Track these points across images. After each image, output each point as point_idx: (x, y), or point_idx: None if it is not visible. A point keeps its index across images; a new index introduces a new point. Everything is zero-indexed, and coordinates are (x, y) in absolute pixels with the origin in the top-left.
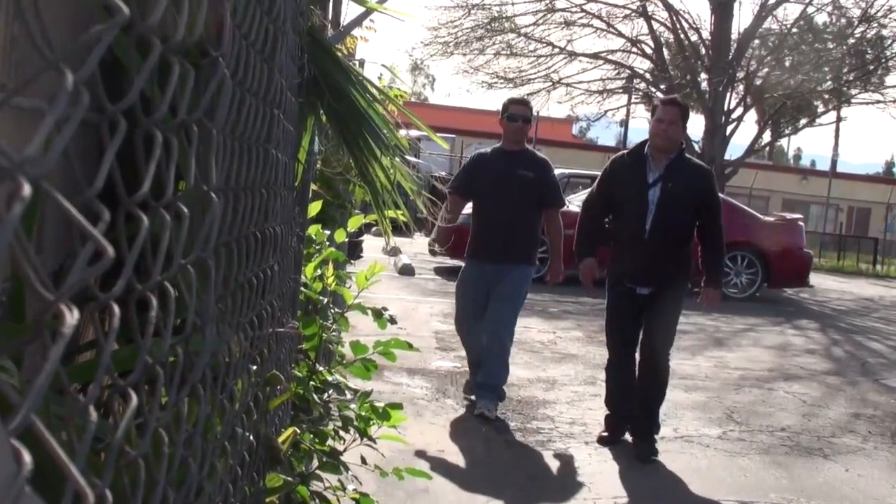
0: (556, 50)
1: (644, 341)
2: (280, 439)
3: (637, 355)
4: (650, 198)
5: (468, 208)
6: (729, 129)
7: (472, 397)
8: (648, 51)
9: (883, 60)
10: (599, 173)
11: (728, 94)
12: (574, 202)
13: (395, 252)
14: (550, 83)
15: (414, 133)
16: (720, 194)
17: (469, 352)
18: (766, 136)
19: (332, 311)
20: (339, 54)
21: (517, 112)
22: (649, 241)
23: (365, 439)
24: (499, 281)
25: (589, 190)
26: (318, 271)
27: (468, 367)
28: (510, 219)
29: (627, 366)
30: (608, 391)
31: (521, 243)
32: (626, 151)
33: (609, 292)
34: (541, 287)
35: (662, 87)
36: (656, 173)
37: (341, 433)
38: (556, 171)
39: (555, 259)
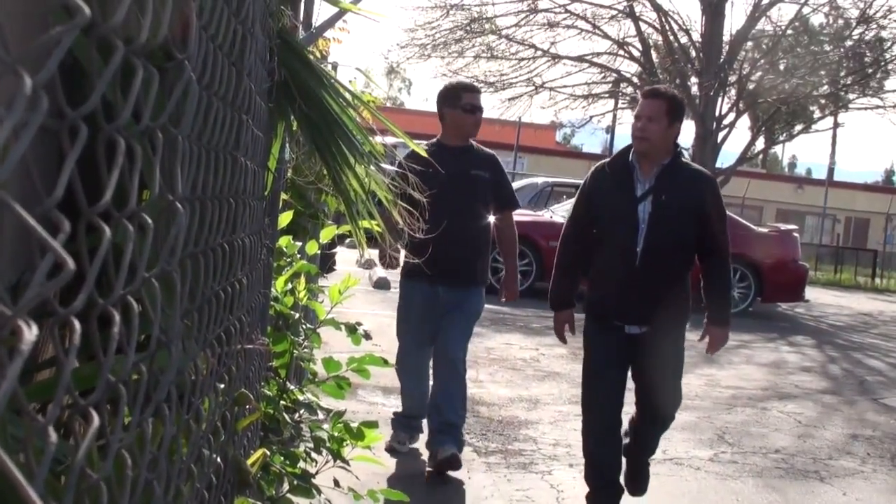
0: (539, 52)
1: (641, 401)
2: (249, 461)
3: (624, 416)
4: (640, 214)
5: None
6: (720, 135)
7: (404, 449)
8: (636, 53)
9: (882, 63)
10: (582, 182)
11: (719, 99)
12: (558, 212)
13: (369, 265)
14: (533, 87)
15: (390, 140)
16: None
17: (414, 397)
18: (760, 143)
19: (304, 326)
20: (311, 57)
21: (475, 102)
22: (641, 267)
23: (338, 461)
24: (455, 306)
25: (566, 218)
26: (289, 285)
27: (402, 417)
28: (467, 230)
29: (612, 432)
30: (587, 463)
31: (480, 260)
32: (607, 160)
33: (589, 332)
34: (523, 301)
35: None
36: (645, 184)
37: (313, 455)
38: (539, 180)
39: (511, 274)
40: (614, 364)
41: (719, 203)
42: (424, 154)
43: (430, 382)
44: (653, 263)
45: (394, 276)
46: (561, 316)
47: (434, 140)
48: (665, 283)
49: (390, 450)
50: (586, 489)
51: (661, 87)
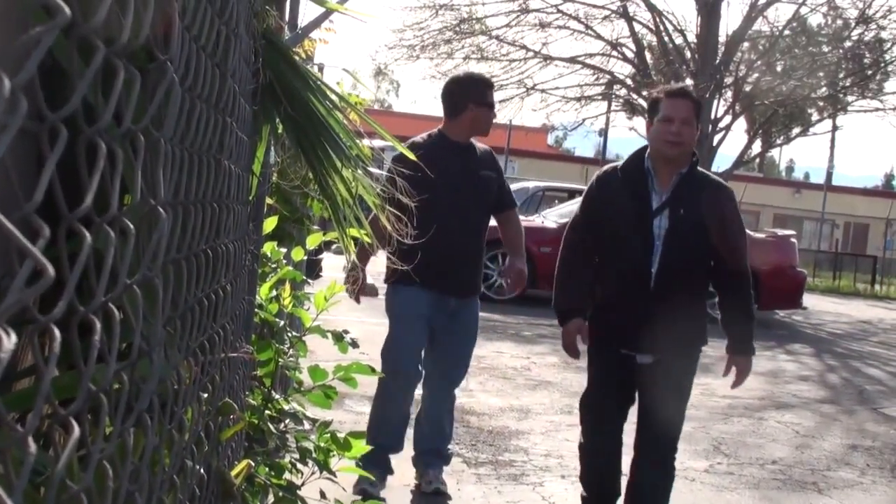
0: (531, 54)
1: (642, 435)
2: (233, 472)
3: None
4: (655, 230)
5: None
6: (716, 138)
7: (376, 492)
8: (630, 54)
9: (882, 65)
10: (580, 187)
11: (715, 101)
12: (550, 217)
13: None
14: (524, 89)
15: (377, 143)
16: None
17: (392, 423)
18: (757, 147)
19: (289, 334)
20: (297, 58)
21: (493, 99)
22: (656, 290)
23: (325, 472)
24: (457, 318)
25: (569, 220)
26: (274, 292)
27: (373, 454)
28: (474, 235)
29: (612, 451)
30: (584, 471)
31: (480, 267)
32: (617, 164)
33: (593, 356)
34: (514, 308)
35: (644, 93)
36: (662, 195)
37: (299, 466)
38: (530, 185)
39: (520, 262)
40: (620, 396)
41: (739, 218)
42: (412, 155)
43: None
44: (669, 286)
45: (381, 282)
46: (571, 326)
47: (435, 131)
48: (682, 309)
49: (362, 492)
50: (578, 501)
51: (684, 85)
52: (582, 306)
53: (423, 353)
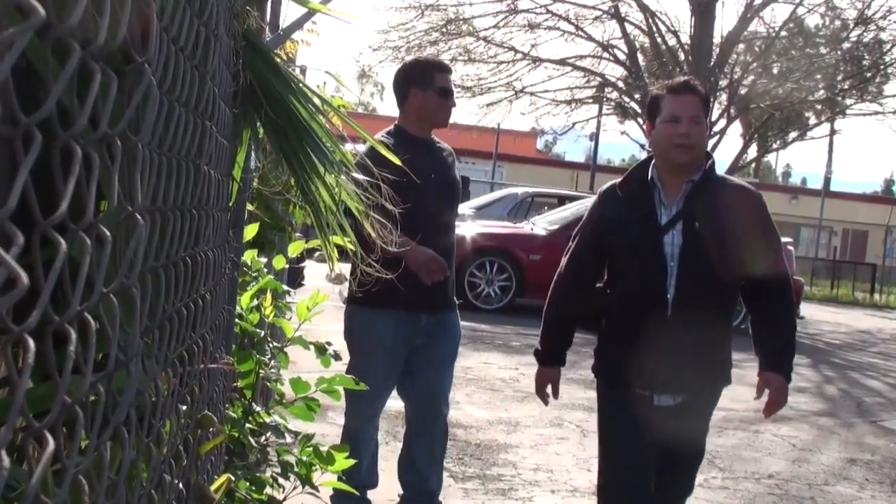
0: (519, 55)
1: (658, 485)
2: (213, 487)
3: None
4: (667, 249)
5: None
6: (711, 143)
7: None
8: (621, 56)
9: (881, 67)
10: (569, 193)
11: (710, 105)
12: (539, 224)
13: (340, 280)
14: (513, 92)
15: (361, 147)
16: None
17: (364, 462)
18: (752, 151)
19: (271, 345)
20: (278, 60)
21: (448, 84)
22: (674, 318)
23: (307, 487)
24: (437, 335)
25: (572, 240)
26: (255, 301)
27: (348, 498)
28: (443, 238)
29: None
30: None
31: (454, 277)
32: (618, 181)
33: (604, 403)
34: (502, 318)
35: (637, 96)
36: (671, 208)
37: (280, 480)
38: (519, 190)
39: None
40: (642, 443)
41: (771, 223)
42: (395, 159)
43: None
44: (689, 312)
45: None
46: (546, 373)
47: (392, 128)
48: (707, 339)
49: None
50: None
51: (689, 78)
52: (563, 355)
53: (394, 379)
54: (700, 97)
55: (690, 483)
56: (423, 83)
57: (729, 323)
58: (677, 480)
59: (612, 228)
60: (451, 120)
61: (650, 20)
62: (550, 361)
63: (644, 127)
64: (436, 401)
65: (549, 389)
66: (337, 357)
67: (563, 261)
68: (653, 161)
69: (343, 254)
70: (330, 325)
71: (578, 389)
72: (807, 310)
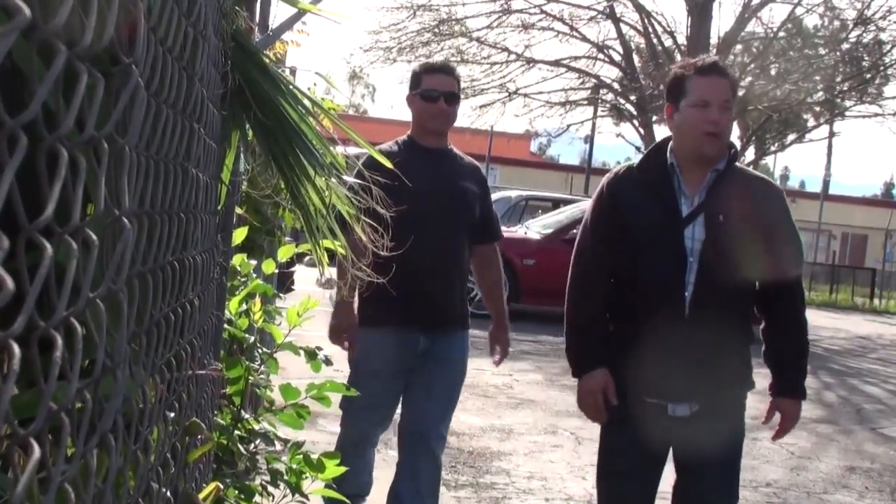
0: (513, 56)
1: (695, 498)
2: (201, 496)
3: None
4: (688, 242)
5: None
6: None
7: None
8: (617, 57)
9: (881, 68)
10: (564, 196)
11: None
12: (533, 227)
13: (330, 285)
14: (506, 93)
15: (352, 150)
16: None
17: (359, 476)
18: (750, 154)
19: (260, 350)
20: (268, 61)
21: (437, 85)
22: (692, 318)
23: (297, 495)
24: (437, 360)
25: (578, 235)
26: (244, 306)
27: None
28: (447, 254)
29: None
30: None
31: (462, 295)
32: (632, 163)
33: (609, 415)
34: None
35: (633, 98)
36: (693, 199)
37: (270, 489)
38: (513, 194)
39: (501, 322)
40: (648, 464)
41: (792, 226)
42: (388, 163)
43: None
44: (708, 313)
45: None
46: (593, 380)
47: (404, 138)
48: (726, 341)
49: None
50: None
51: (715, 59)
52: (604, 353)
53: (393, 402)
54: (730, 80)
55: (732, 492)
56: (414, 87)
57: (749, 324)
58: (713, 491)
59: (628, 216)
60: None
61: (646, 20)
62: (596, 362)
63: (664, 111)
64: (425, 441)
65: (607, 394)
66: (328, 362)
67: (576, 261)
68: (670, 145)
69: (334, 259)
70: (320, 331)
71: (573, 396)
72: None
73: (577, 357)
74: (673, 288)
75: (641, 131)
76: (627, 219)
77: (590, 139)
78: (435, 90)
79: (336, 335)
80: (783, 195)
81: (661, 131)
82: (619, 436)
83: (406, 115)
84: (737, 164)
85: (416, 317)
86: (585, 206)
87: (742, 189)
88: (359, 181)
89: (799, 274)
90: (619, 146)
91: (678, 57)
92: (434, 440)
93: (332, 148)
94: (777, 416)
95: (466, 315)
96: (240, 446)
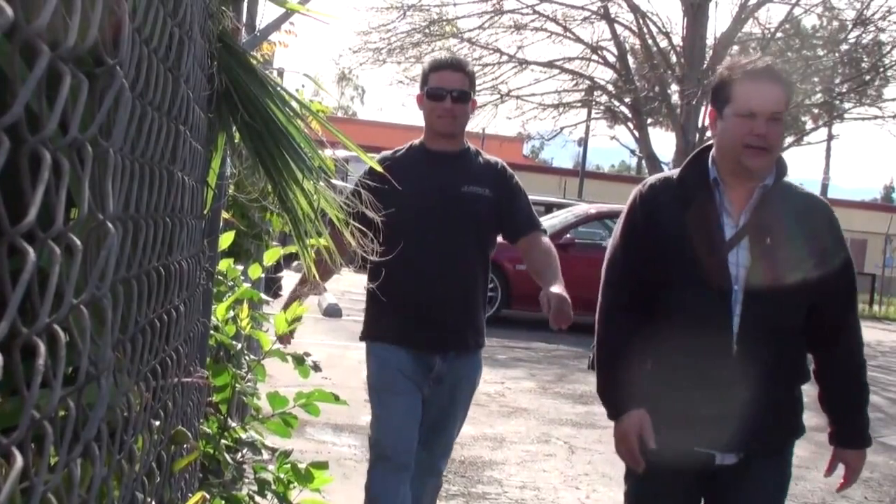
0: (505, 58)
1: None
2: None
3: None
4: (732, 269)
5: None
6: None
7: None
8: (611, 58)
9: (881, 69)
10: (557, 201)
11: (703, 109)
12: None
13: (319, 290)
14: (498, 96)
15: (341, 153)
16: None
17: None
18: None
19: (247, 357)
20: (255, 62)
21: (445, 83)
22: (740, 357)
23: None
24: (444, 383)
25: (607, 254)
26: (231, 312)
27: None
28: (457, 268)
29: None
30: None
31: (473, 313)
32: (669, 175)
33: (646, 466)
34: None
35: (627, 100)
36: (738, 219)
37: (257, 498)
38: None
39: (558, 290)
40: None
41: (846, 251)
42: (377, 166)
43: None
44: (758, 349)
45: (345, 302)
46: (629, 423)
47: (416, 141)
48: (779, 380)
49: None
50: None
51: (771, 63)
52: (641, 392)
53: (414, 427)
54: (783, 88)
55: None
56: (422, 87)
57: (804, 360)
58: None
59: (663, 238)
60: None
61: (641, 21)
62: (631, 403)
63: (708, 114)
64: (432, 464)
65: (644, 437)
66: (316, 368)
67: (605, 289)
68: (711, 154)
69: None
70: (309, 337)
71: (566, 404)
72: (863, 351)
73: (615, 397)
74: (717, 321)
75: (636, 134)
76: (663, 240)
77: (583, 142)
78: (442, 88)
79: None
80: (834, 216)
81: (656, 134)
82: (655, 488)
83: (395, 117)
84: (785, 179)
85: (426, 340)
86: (579, 210)
87: (791, 208)
88: (350, 185)
89: (855, 306)
90: (614, 149)
91: (674, 58)
92: (440, 459)
93: (320, 151)
94: (840, 468)
95: (479, 333)
96: (226, 455)
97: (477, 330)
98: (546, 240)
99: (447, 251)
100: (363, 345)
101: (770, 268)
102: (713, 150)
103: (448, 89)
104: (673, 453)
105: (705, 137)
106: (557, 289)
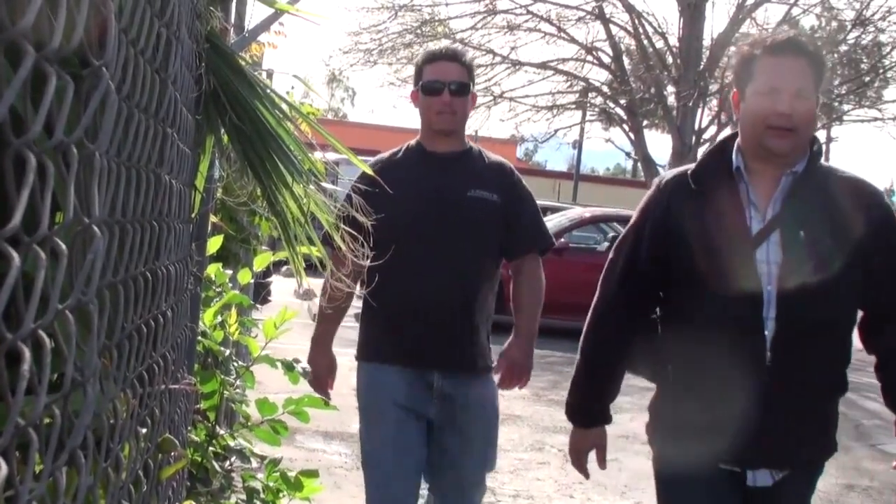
0: (498, 58)
1: None
2: None
3: None
4: (762, 267)
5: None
6: (700, 151)
7: None
8: (606, 59)
9: (880, 71)
10: (551, 204)
11: (699, 110)
12: None
13: (308, 295)
14: (491, 97)
15: (332, 156)
16: None
17: None
18: None
19: (236, 364)
20: (244, 63)
21: (441, 74)
22: (776, 365)
23: None
24: (453, 406)
25: (613, 251)
26: (219, 318)
27: None
28: (459, 277)
29: None
30: None
31: (476, 327)
32: (688, 168)
33: (668, 483)
34: None
35: (622, 101)
36: (766, 211)
37: None
38: None
39: (523, 344)
40: None
41: None
42: (369, 170)
43: None
44: (795, 356)
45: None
46: (588, 436)
47: (413, 142)
48: (818, 391)
49: None
50: None
51: (794, 35)
52: (607, 412)
53: (414, 459)
54: (809, 60)
55: None
56: (416, 82)
57: (844, 369)
58: None
59: (683, 234)
60: None
61: (636, 21)
62: (592, 420)
63: (731, 98)
64: (446, 499)
65: (591, 456)
66: (306, 375)
67: (605, 285)
68: (736, 142)
69: (313, 268)
70: (298, 343)
71: (560, 411)
72: None
73: (579, 407)
74: (748, 327)
75: (632, 136)
76: (682, 236)
77: (578, 144)
78: (438, 80)
79: (317, 386)
80: (884, 199)
81: (652, 136)
82: (684, 493)
83: (387, 119)
84: (822, 162)
85: (425, 356)
86: (573, 213)
87: (829, 195)
88: (340, 188)
89: None
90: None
91: (670, 59)
92: (456, 496)
93: (310, 154)
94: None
95: (486, 352)
96: (214, 463)
97: (481, 348)
98: (538, 272)
99: (446, 261)
100: (353, 350)
101: (806, 263)
102: (738, 137)
103: (445, 81)
104: (696, 469)
105: (702, 140)
106: (517, 349)
